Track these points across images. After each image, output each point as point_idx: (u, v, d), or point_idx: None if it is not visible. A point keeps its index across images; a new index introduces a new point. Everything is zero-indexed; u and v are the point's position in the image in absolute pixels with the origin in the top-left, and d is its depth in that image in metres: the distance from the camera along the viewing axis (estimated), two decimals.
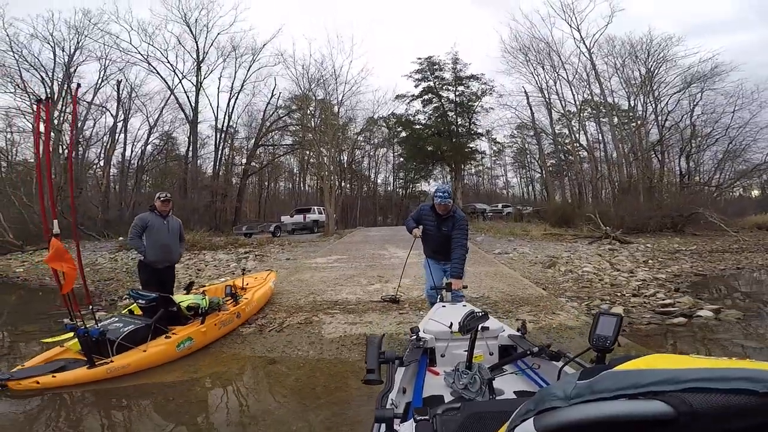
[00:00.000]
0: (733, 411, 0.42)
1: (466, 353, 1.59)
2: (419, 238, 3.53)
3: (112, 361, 2.89)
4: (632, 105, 22.29)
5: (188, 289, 4.17)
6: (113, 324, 3.09)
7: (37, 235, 17.44)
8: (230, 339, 3.85)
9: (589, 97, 22.71)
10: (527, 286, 5.53)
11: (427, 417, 1.07)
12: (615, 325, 1.21)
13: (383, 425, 1.08)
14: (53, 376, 2.73)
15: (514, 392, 1.53)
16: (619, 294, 5.33)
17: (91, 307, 3.15)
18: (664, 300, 4.94)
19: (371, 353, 1.37)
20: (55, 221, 2.89)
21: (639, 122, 21.65)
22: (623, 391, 0.48)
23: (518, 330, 1.90)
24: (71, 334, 3.05)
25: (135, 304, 3.53)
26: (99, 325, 3.07)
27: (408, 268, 4.94)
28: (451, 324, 1.84)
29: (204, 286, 4.86)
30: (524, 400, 0.63)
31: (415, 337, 1.86)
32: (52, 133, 21.59)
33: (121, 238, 17.03)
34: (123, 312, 3.49)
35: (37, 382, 2.70)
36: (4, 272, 12.05)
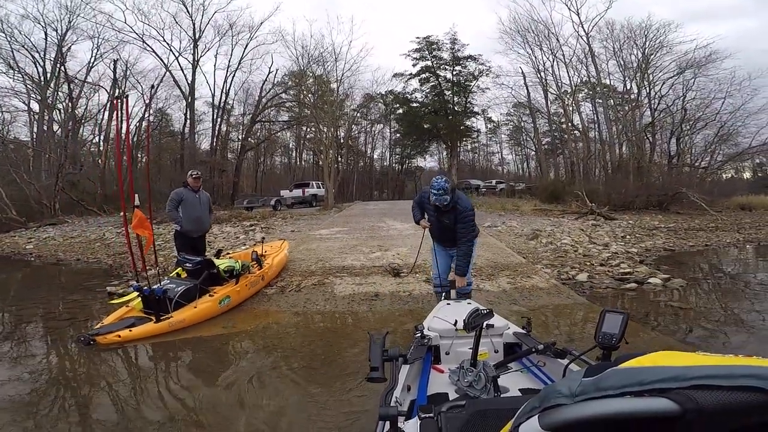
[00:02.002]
0: (739, 408, 0.42)
1: (471, 351, 1.61)
2: (427, 227, 3.41)
3: (171, 317, 3.58)
4: (628, 88, 22.86)
5: (218, 255, 4.92)
6: (168, 285, 3.78)
7: (39, 212, 17.96)
8: (257, 298, 4.63)
9: (586, 78, 23.19)
10: (509, 255, 6.37)
11: (431, 415, 1.07)
12: (621, 322, 1.21)
13: (387, 423, 1.08)
14: (129, 331, 3.38)
15: (519, 390, 1.55)
16: (588, 263, 6.17)
17: (156, 270, 3.89)
18: (625, 269, 5.78)
19: (375, 351, 1.35)
20: (136, 195, 3.60)
21: (633, 105, 22.23)
22: (629, 389, 0.48)
23: (523, 327, 1.92)
24: (135, 295, 3.79)
25: (179, 269, 4.27)
26: (173, 283, 3.81)
27: (405, 239, 5.70)
28: (456, 321, 1.84)
29: (229, 252, 5.61)
30: (529, 397, 0.63)
31: (419, 334, 1.89)
32: (54, 115, 21.79)
33: (122, 213, 17.67)
34: (172, 276, 4.21)
35: (119, 336, 3.32)
36: (15, 249, 12.54)
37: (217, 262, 4.25)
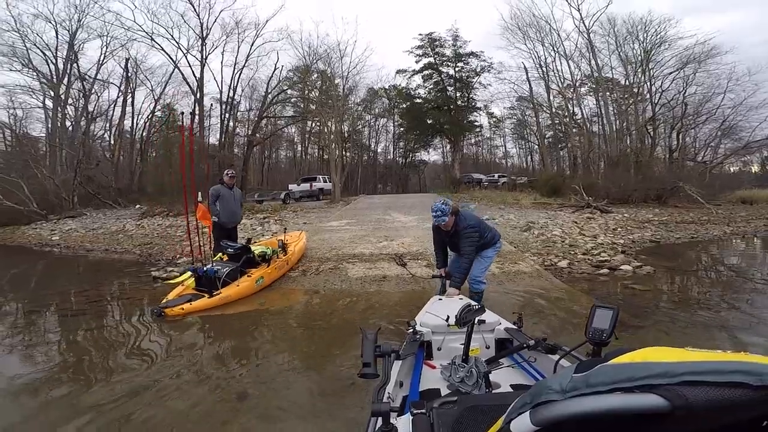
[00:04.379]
0: (727, 404, 0.43)
1: (463, 347, 1.66)
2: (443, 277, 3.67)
3: (221, 293, 4.46)
4: (631, 82, 23.42)
5: (248, 242, 5.83)
6: (215, 267, 4.67)
7: (58, 205, 18.99)
8: (284, 280, 5.55)
9: (588, 72, 23.81)
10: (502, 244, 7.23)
11: (423, 411, 1.09)
12: (611, 317, 1.23)
13: (380, 419, 1.10)
14: (189, 304, 4.25)
15: (511, 386, 1.58)
16: (572, 252, 7.03)
17: (213, 254, 4.84)
18: (603, 258, 6.64)
19: (367, 346, 1.36)
20: (199, 193, 4.53)
21: (635, 99, 22.84)
22: (619, 385, 0.49)
23: (514, 323, 1.96)
24: (188, 275, 4.70)
25: (220, 254, 5.18)
26: (219, 265, 4.72)
27: (408, 230, 6.57)
28: (448, 317, 1.88)
29: (257, 241, 6.53)
30: (520, 393, 0.64)
31: (411, 330, 1.93)
32: (66, 111, 22.77)
33: (138, 206, 18.66)
34: (215, 260, 5.12)
35: (182, 308, 4.15)
36: (42, 241, 13.48)
37: (252, 247, 5.17)
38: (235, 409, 2.42)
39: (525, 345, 1.64)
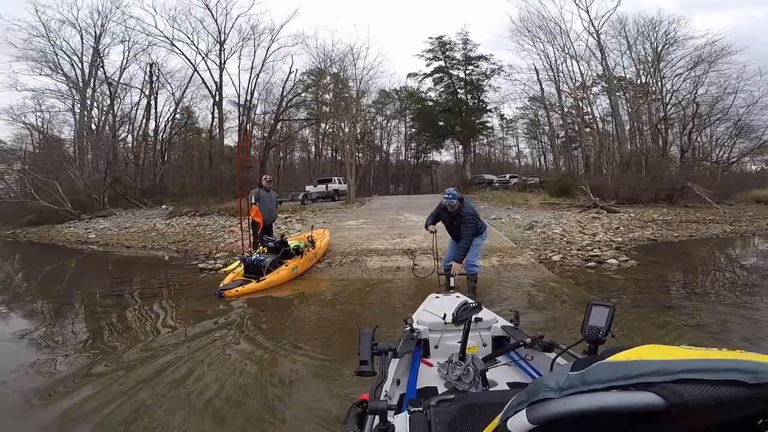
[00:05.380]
0: (723, 402, 0.44)
1: (460, 344, 1.69)
2: (434, 233, 4.90)
3: (265, 279, 5.55)
4: (643, 82, 23.95)
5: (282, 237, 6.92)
6: (260, 257, 5.75)
7: (89, 205, 20.47)
8: (312, 270, 6.62)
9: (601, 72, 24.41)
10: (504, 241, 8.20)
11: (421, 408, 1.12)
12: (608, 315, 1.25)
13: (377, 417, 1.12)
14: (242, 287, 5.32)
15: (508, 383, 1.61)
16: (567, 248, 7.93)
17: (259, 244, 5.98)
18: (595, 253, 7.53)
19: (364, 344, 1.39)
20: (252, 195, 5.83)
21: (647, 98, 23.36)
22: (615, 383, 0.50)
23: (511, 321, 1.99)
24: (237, 264, 5.80)
25: (261, 247, 6.26)
26: (262, 256, 5.81)
27: (419, 228, 7.56)
28: (445, 315, 1.91)
29: (290, 236, 7.64)
30: (517, 391, 0.65)
31: (408, 328, 1.95)
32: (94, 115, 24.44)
33: (164, 206, 20.03)
34: (258, 252, 6.19)
35: (237, 291, 5.21)
36: (80, 238, 14.72)
37: (288, 241, 6.26)
38: (280, 363, 3.48)
39: (522, 343, 1.69)
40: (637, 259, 7.21)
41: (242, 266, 5.73)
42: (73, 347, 3.77)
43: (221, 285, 5.48)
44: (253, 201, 5.96)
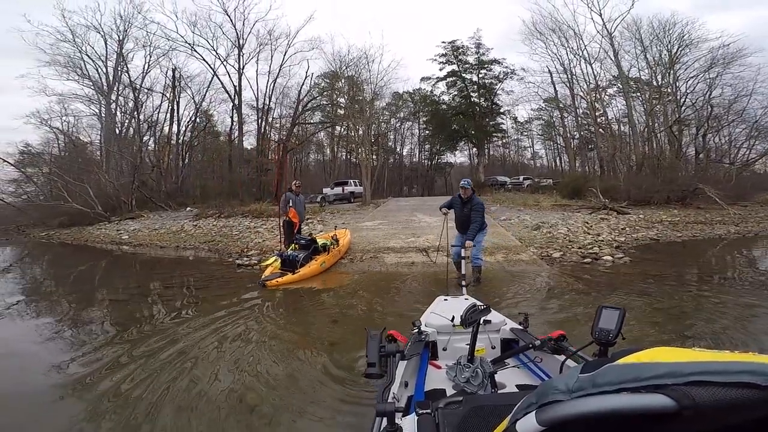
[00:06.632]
0: (735, 404, 0.44)
1: (468, 347, 1.74)
2: (446, 215, 5.84)
3: (300, 271, 6.60)
4: (658, 83, 24.44)
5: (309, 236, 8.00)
6: (295, 253, 6.82)
7: (118, 208, 21.90)
8: (337, 266, 7.67)
9: (616, 74, 24.98)
10: (510, 240, 9.14)
11: (429, 411, 1.14)
12: (618, 318, 1.28)
13: (385, 419, 1.13)
14: (282, 278, 6.38)
15: (516, 386, 1.66)
16: (569, 246, 8.82)
17: (295, 240, 7.08)
18: (593, 250, 8.41)
19: (372, 347, 1.41)
20: (291, 200, 6.96)
21: (662, 100, 23.84)
22: (625, 385, 0.51)
23: (520, 323, 2.01)
24: (274, 258, 6.89)
25: (294, 245, 7.33)
26: (296, 252, 6.89)
27: (432, 229, 8.56)
28: (453, 317, 1.96)
29: (316, 235, 8.72)
30: (526, 393, 0.66)
31: (416, 330, 2.00)
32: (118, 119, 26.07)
33: (189, 208, 21.38)
34: (292, 249, 7.26)
35: (277, 282, 6.29)
36: (113, 240, 15.90)
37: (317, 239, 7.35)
38: (324, 337, 4.52)
39: (531, 345, 1.71)
40: (632, 257, 8.04)
41: (279, 261, 6.81)
42: (160, 324, 4.96)
43: (263, 276, 6.56)
44: (290, 204, 7.10)
